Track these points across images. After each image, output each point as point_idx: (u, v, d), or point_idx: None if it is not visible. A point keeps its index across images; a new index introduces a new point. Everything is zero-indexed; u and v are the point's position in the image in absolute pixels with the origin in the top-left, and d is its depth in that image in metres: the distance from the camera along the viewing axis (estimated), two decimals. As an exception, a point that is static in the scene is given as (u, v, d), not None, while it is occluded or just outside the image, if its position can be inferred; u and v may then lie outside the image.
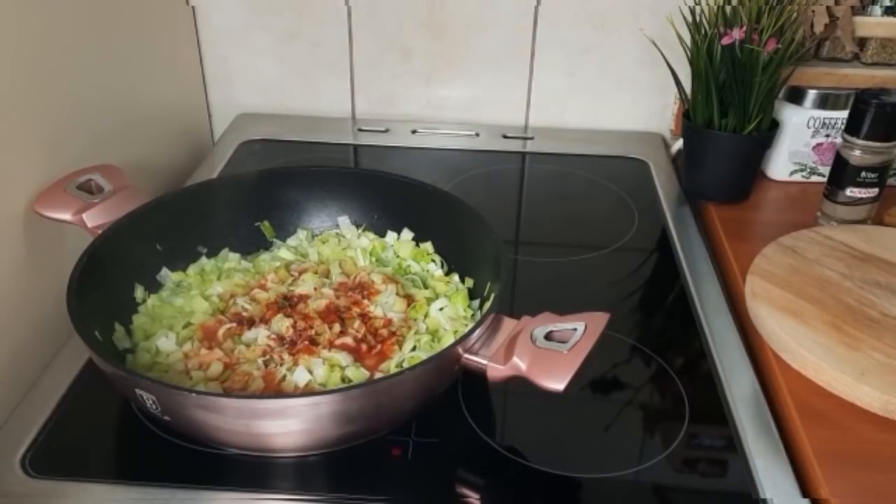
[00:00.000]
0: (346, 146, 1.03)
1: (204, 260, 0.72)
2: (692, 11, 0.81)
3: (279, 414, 0.50)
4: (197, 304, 0.65)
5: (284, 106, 1.09)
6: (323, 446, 0.55)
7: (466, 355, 0.53)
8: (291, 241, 0.76)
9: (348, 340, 0.61)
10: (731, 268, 0.78)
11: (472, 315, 0.66)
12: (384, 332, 0.63)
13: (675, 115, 1.02)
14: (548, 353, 0.51)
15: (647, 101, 1.06)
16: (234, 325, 0.63)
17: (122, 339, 0.62)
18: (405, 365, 0.59)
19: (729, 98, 0.82)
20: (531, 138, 1.05)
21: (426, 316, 0.65)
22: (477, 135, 1.05)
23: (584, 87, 1.06)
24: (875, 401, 0.58)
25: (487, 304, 0.61)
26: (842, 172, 0.80)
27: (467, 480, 0.55)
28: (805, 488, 0.54)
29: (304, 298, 0.66)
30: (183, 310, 0.66)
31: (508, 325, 0.55)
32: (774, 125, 0.87)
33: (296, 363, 0.59)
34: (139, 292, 0.66)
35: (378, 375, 0.59)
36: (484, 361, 0.53)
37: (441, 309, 0.65)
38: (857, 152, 0.78)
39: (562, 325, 0.53)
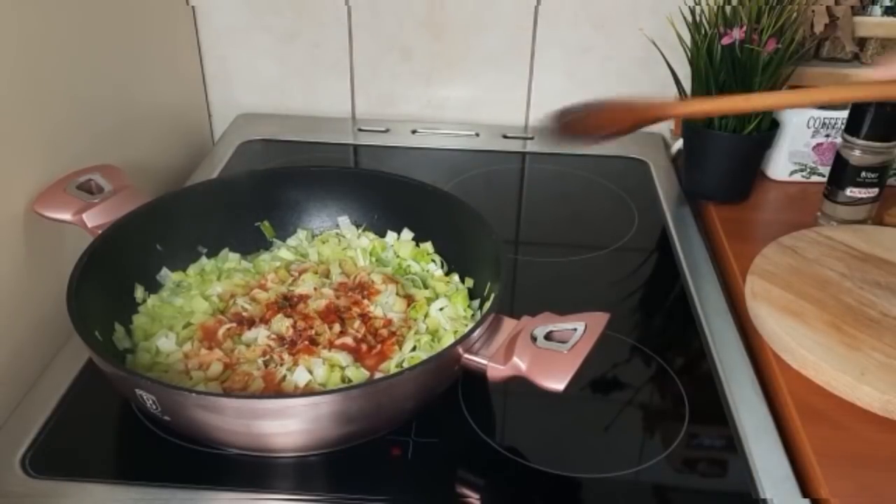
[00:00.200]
0: (346, 146, 1.03)
1: (204, 260, 0.72)
2: (692, 11, 0.81)
3: (279, 414, 0.50)
4: (197, 304, 0.65)
5: (284, 106, 1.09)
6: (323, 446, 0.55)
7: (466, 355, 0.53)
8: (291, 241, 0.76)
9: (348, 340, 0.61)
10: (731, 268, 0.78)
11: (472, 315, 0.66)
12: (384, 332, 0.63)
13: (676, 115, 1.03)
14: (548, 353, 0.51)
15: (647, 102, 1.06)
16: (234, 325, 0.63)
17: (122, 339, 0.62)
18: (405, 365, 0.59)
19: (729, 98, 0.82)
20: (531, 138, 1.05)
21: (426, 316, 0.65)
22: (477, 135, 1.05)
23: (584, 87, 1.05)
24: (875, 401, 0.58)
25: (487, 304, 0.61)
26: (842, 172, 0.80)
27: (467, 480, 0.55)
28: (805, 488, 0.54)
29: (304, 298, 0.66)
30: (183, 310, 0.66)
31: (508, 325, 0.55)
32: (774, 125, 0.87)
33: (296, 363, 0.59)
34: (139, 292, 0.66)
35: (378, 375, 0.59)
36: (484, 361, 0.53)
37: (441, 309, 0.65)
38: (857, 152, 0.78)
39: (562, 325, 0.53)
